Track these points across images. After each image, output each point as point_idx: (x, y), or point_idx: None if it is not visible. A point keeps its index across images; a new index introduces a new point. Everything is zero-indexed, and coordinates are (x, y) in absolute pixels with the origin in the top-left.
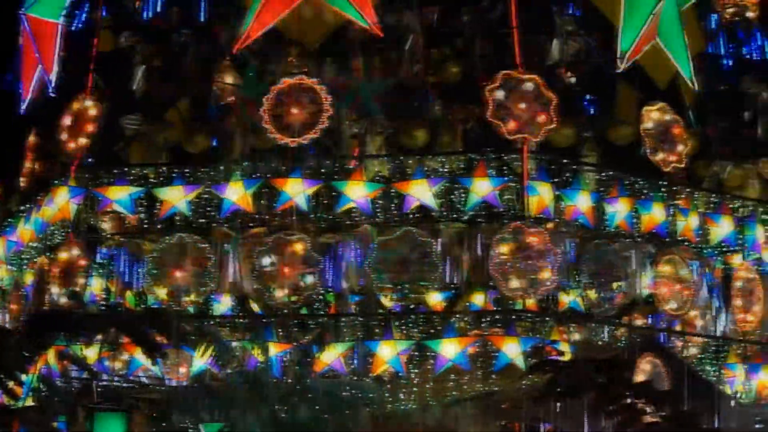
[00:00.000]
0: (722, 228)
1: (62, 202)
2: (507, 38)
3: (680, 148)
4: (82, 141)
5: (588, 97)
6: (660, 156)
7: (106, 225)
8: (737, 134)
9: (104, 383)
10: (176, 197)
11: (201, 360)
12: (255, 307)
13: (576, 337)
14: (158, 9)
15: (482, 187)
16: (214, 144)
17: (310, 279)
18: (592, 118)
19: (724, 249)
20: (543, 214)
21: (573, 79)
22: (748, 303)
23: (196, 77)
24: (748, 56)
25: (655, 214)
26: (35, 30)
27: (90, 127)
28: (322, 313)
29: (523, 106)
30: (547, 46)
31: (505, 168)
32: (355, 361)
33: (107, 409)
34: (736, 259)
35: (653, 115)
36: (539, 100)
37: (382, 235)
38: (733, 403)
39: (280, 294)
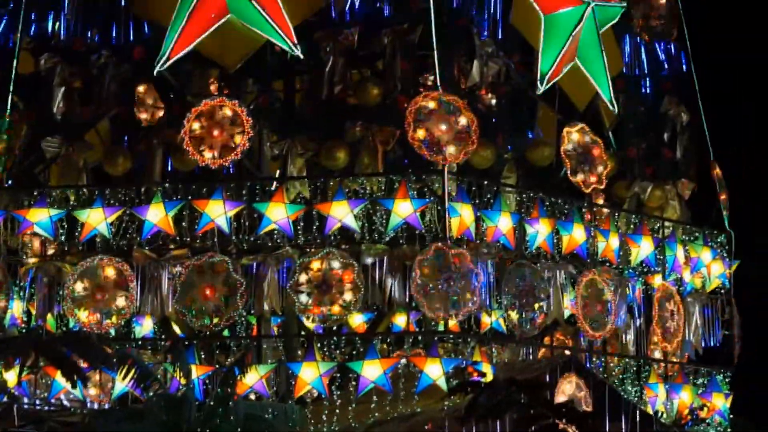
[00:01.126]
0: (643, 248)
1: None
2: (427, 60)
3: (600, 169)
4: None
5: (508, 118)
6: (580, 177)
7: (27, 247)
8: (657, 155)
9: (25, 406)
10: (97, 219)
11: (122, 382)
12: (177, 329)
13: (498, 357)
14: (78, 30)
15: (403, 209)
16: (135, 165)
17: (232, 300)
18: (512, 140)
19: (645, 269)
20: (464, 235)
21: (493, 101)
22: (669, 323)
23: (116, 98)
24: (666, 77)
25: (576, 235)
26: None
27: (8, 150)
28: (244, 335)
29: (443, 127)
30: (467, 68)
31: (425, 189)
32: (277, 384)
33: None
34: (657, 280)
35: (573, 136)
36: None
37: (304, 256)
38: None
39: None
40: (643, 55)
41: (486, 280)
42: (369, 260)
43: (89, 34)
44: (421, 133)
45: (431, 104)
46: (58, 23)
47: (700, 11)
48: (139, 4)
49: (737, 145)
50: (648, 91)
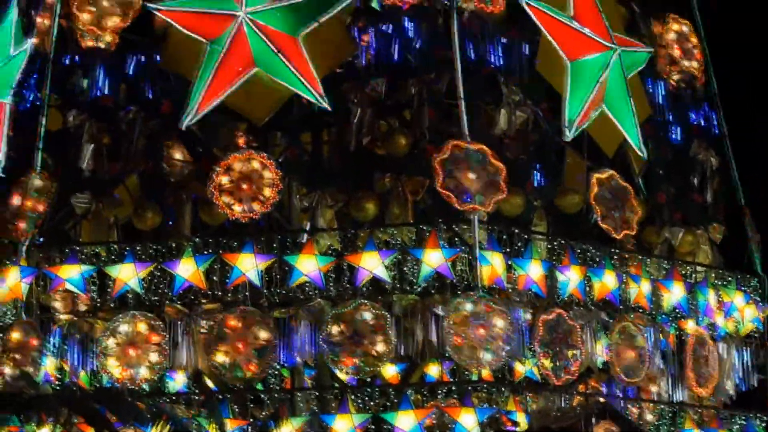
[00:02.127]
0: (675, 294)
1: (13, 282)
2: (454, 109)
3: (630, 215)
4: (32, 221)
5: (536, 166)
6: (610, 223)
7: (58, 304)
8: (687, 200)
9: None
10: (128, 275)
11: None
12: (210, 383)
13: (532, 406)
14: (106, 86)
15: (434, 258)
16: (164, 220)
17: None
18: (541, 187)
19: (677, 315)
20: (495, 284)
21: (521, 149)
22: (703, 368)
23: (145, 153)
24: (695, 122)
25: (608, 282)
26: None
27: (40, 207)
28: (277, 387)
29: (472, 176)
30: (494, 116)
31: (456, 238)
32: None
33: None
34: (690, 325)
35: (602, 182)
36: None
37: (335, 308)
38: None
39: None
40: (671, 100)
41: (518, 328)
42: (400, 311)
43: (117, 90)
44: (449, 183)
45: (459, 153)
46: (85, 80)
47: (728, 53)
48: (166, 58)
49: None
50: (676, 136)
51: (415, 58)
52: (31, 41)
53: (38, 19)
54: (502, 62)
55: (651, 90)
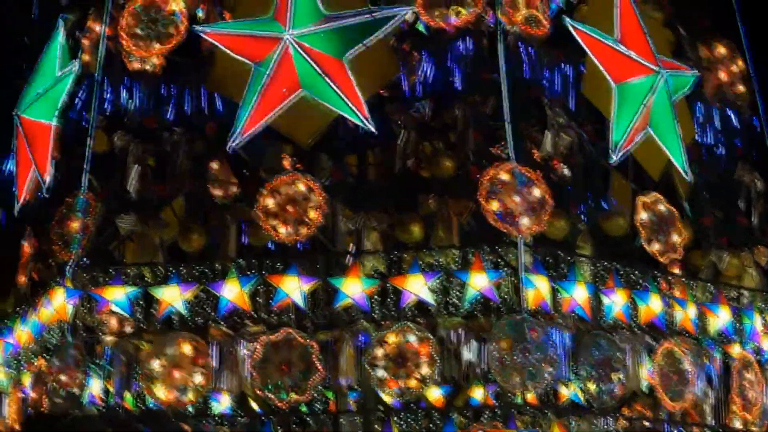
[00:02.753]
0: (720, 318)
1: (59, 303)
2: (499, 131)
3: (675, 238)
4: (77, 242)
5: (581, 188)
6: (655, 246)
7: (104, 326)
8: (733, 223)
9: None
10: (173, 296)
11: None
12: (254, 405)
13: (577, 429)
14: (151, 108)
15: (479, 281)
16: (209, 242)
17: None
18: (586, 210)
19: (723, 339)
20: (540, 307)
21: (566, 171)
22: (748, 392)
23: (190, 175)
24: (740, 145)
25: (653, 305)
26: (29, 131)
27: (85, 228)
28: (321, 410)
29: (517, 199)
30: (539, 139)
31: (501, 261)
32: None
33: None
34: (735, 349)
35: (647, 206)
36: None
37: (380, 330)
38: None
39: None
40: (717, 123)
41: (563, 351)
42: (445, 333)
43: (162, 112)
44: (494, 205)
45: (504, 176)
46: (131, 101)
47: None
48: (212, 80)
49: None
50: (722, 158)
51: (461, 81)
52: (78, 63)
53: (85, 42)
54: (547, 85)
55: (696, 113)
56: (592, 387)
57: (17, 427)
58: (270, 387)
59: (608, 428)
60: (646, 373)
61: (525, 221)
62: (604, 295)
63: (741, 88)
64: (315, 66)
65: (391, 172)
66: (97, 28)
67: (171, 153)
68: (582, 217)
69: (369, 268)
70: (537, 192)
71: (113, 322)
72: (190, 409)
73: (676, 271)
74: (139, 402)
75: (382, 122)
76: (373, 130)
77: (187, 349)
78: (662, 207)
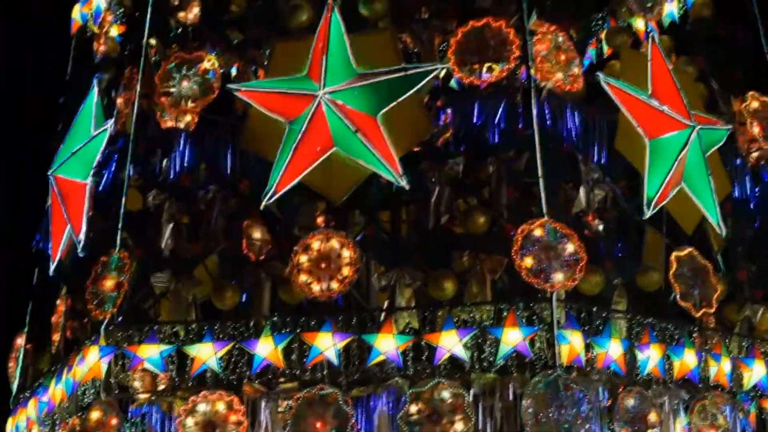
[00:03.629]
0: (755, 372)
1: (93, 361)
2: (533, 187)
3: (710, 292)
4: (112, 300)
5: (616, 244)
6: (690, 301)
7: (137, 383)
8: (767, 277)
9: None
10: (207, 354)
11: None
12: None
13: None
14: (185, 166)
15: (513, 337)
16: (243, 299)
17: None
18: (621, 265)
19: (758, 393)
20: (574, 362)
21: (600, 226)
22: None
23: (224, 233)
24: None
25: (687, 360)
26: (63, 190)
27: (119, 286)
28: None
29: (551, 254)
30: (573, 194)
31: (534, 317)
32: None
33: None
34: None
35: (681, 260)
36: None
37: (414, 387)
38: None
39: None
40: (751, 177)
41: (597, 407)
42: (479, 390)
43: (196, 170)
44: (528, 261)
45: (538, 231)
46: (165, 160)
47: None
48: (245, 138)
49: None
50: (756, 212)
51: (494, 137)
52: (112, 122)
53: (119, 100)
54: (580, 140)
55: (730, 167)
56: None
57: None
58: None
59: None
60: (682, 429)
61: (559, 277)
62: (639, 351)
63: None
64: (348, 123)
65: (424, 228)
66: (132, 87)
67: (205, 211)
68: (616, 272)
69: (402, 325)
70: (570, 247)
71: (147, 380)
72: None
73: (711, 325)
74: None
75: (416, 179)
76: (406, 186)
77: (220, 406)
78: (696, 261)
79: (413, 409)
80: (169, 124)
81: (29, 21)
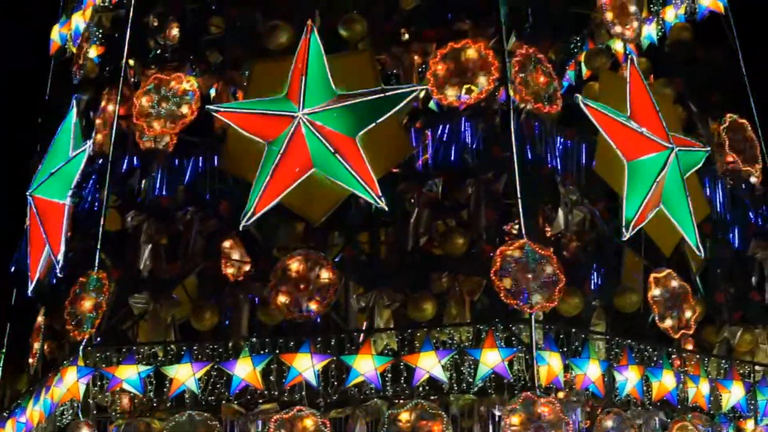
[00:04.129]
0: (734, 394)
1: (71, 382)
2: (512, 209)
3: (688, 314)
4: (90, 321)
5: (594, 265)
6: (668, 323)
7: (115, 404)
8: (746, 299)
9: None
10: (185, 375)
11: None
12: None
13: None
14: (164, 187)
15: (491, 358)
16: (222, 320)
17: None
18: (599, 287)
19: (737, 415)
20: (553, 383)
21: (579, 248)
22: None
23: (203, 254)
24: (753, 221)
25: (666, 382)
26: (42, 211)
27: (98, 307)
28: None
29: (529, 276)
30: (551, 216)
31: (513, 338)
32: None
33: None
34: (749, 425)
35: (660, 282)
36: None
37: (392, 408)
38: None
39: None
40: (729, 199)
41: (576, 428)
42: (457, 411)
43: (175, 191)
44: (507, 282)
45: (517, 253)
46: (144, 181)
47: None
48: (225, 159)
49: None
50: (734, 235)
51: (473, 158)
52: (90, 143)
53: (97, 121)
54: (559, 162)
55: (709, 189)
56: None
57: None
58: None
59: None
60: None
61: (537, 298)
62: (618, 372)
63: (752, 163)
64: (327, 144)
65: (403, 249)
66: (110, 107)
67: (184, 232)
68: (595, 294)
69: (381, 346)
70: (549, 269)
71: (125, 401)
72: None
73: (690, 347)
74: None
75: (395, 200)
76: (385, 207)
77: (200, 428)
78: (675, 283)
79: (392, 430)
80: (148, 145)
81: (7, 41)
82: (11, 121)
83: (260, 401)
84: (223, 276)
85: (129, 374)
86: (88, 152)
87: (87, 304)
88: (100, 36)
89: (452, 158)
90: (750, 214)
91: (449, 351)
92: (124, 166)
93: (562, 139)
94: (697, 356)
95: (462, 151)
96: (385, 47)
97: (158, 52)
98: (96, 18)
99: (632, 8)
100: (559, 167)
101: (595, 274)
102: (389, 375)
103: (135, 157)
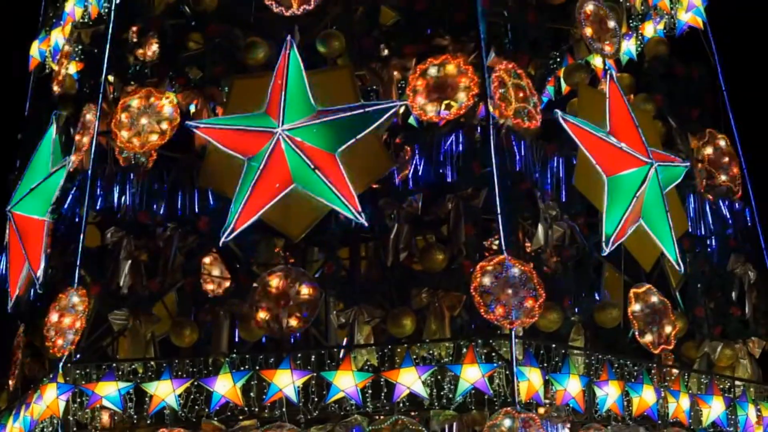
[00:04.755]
0: (714, 409)
1: (50, 399)
2: (491, 224)
3: (668, 329)
4: (69, 337)
5: (574, 280)
6: (648, 338)
7: (95, 421)
8: (726, 314)
9: None
10: (165, 391)
11: None
12: None
13: None
14: (144, 203)
15: (471, 374)
16: (201, 337)
17: None
18: (579, 302)
19: (717, 430)
20: (533, 399)
21: (559, 264)
22: None
23: (182, 270)
24: (732, 236)
25: (646, 397)
26: (21, 227)
27: (77, 324)
28: None
29: (509, 291)
30: (531, 231)
31: (493, 354)
32: None
33: None
34: None
35: (639, 297)
36: (526, 286)
37: (373, 424)
38: None
39: None
40: (708, 214)
41: None
42: (438, 427)
43: (155, 207)
44: (487, 298)
45: (496, 269)
46: (123, 197)
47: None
48: (204, 175)
49: None
50: (714, 249)
51: (452, 174)
52: (70, 159)
53: (77, 137)
54: (539, 177)
55: (688, 204)
56: None
57: None
58: None
59: None
60: None
61: (517, 314)
62: (598, 387)
63: (732, 178)
64: (307, 160)
65: (383, 265)
66: (90, 123)
67: (163, 248)
68: (575, 309)
69: (361, 362)
70: (529, 285)
71: (104, 418)
72: None
73: (670, 362)
74: None
75: (375, 215)
76: (365, 223)
77: None
78: (655, 298)
79: None
80: (128, 161)
81: None
82: None
83: (240, 418)
84: (203, 292)
85: (109, 391)
86: (68, 168)
87: (66, 321)
88: (79, 52)
89: (432, 174)
90: (729, 229)
91: (429, 367)
92: (104, 183)
93: (541, 155)
94: (678, 371)
95: (441, 166)
96: (364, 63)
97: (138, 68)
98: (75, 34)
99: (611, 24)
100: (538, 182)
101: (574, 289)
102: (369, 391)
103: (114, 173)
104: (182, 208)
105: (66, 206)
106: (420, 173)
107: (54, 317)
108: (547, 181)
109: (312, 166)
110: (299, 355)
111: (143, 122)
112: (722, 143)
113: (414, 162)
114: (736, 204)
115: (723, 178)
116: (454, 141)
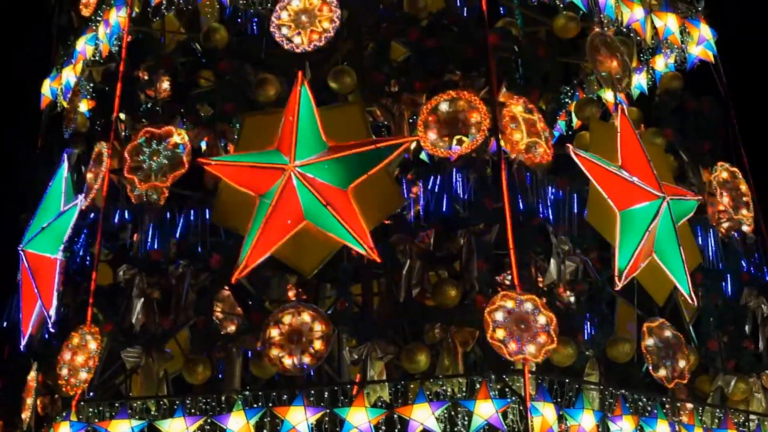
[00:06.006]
0: None
1: None
2: (504, 259)
3: (682, 363)
4: (83, 376)
5: (587, 315)
6: (662, 372)
7: None
8: (739, 348)
9: None
10: (178, 429)
11: None
12: None
13: None
14: (156, 241)
15: (485, 410)
16: (214, 374)
17: None
18: (592, 337)
19: None
20: None
21: (571, 298)
22: None
23: (195, 307)
24: (745, 270)
25: (660, 431)
26: (33, 265)
27: (90, 362)
28: None
29: (522, 326)
30: (544, 266)
31: (507, 389)
32: None
33: None
34: None
35: (653, 331)
36: (538, 321)
37: None
38: None
39: None
40: (721, 248)
41: None
42: None
43: (167, 245)
44: (500, 333)
45: (509, 304)
46: (135, 234)
47: None
48: (216, 212)
49: None
50: (727, 283)
51: (464, 209)
52: (82, 197)
53: (89, 175)
54: (551, 212)
55: (701, 238)
56: None
57: None
58: None
59: None
60: None
61: (530, 349)
62: (612, 422)
63: (745, 212)
64: (318, 196)
65: (395, 301)
66: (102, 161)
67: (176, 285)
68: (588, 344)
69: (374, 398)
70: (542, 319)
71: None
72: None
73: (684, 396)
74: None
75: (387, 251)
76: (377, 259)
77: None
78: (668, 333)
79: None
80: (140, 198)
81: None
82: (2, 176)
83: None
84: (216, 329)
85: (122, 429)
86: (80, 206)
87: (79, 359)
88: (90, 90)
89: (444, 209)
90: (742, 262)
91: (443, 402)
92: (116, 220)
93: (553, 189)
94: (692, 405)
95: (453, 201)
96: (375, 99)
97: (149, 105)
98: (86, 72)
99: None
100: (550, 217)
101: (588, 323)
102: (383, 427)
103: (126, 211)
104: (194, 246)
105: (78, 244)
106: (432, 208)
107: (67, 355)
108: (559, 215)
109: (324, 203)
110: (312, 391)
111: (155, 160)
112: (735, 177)
113: (426, 197)
114: (750, 238)
115: (735, 211)
116: (466, 176)
